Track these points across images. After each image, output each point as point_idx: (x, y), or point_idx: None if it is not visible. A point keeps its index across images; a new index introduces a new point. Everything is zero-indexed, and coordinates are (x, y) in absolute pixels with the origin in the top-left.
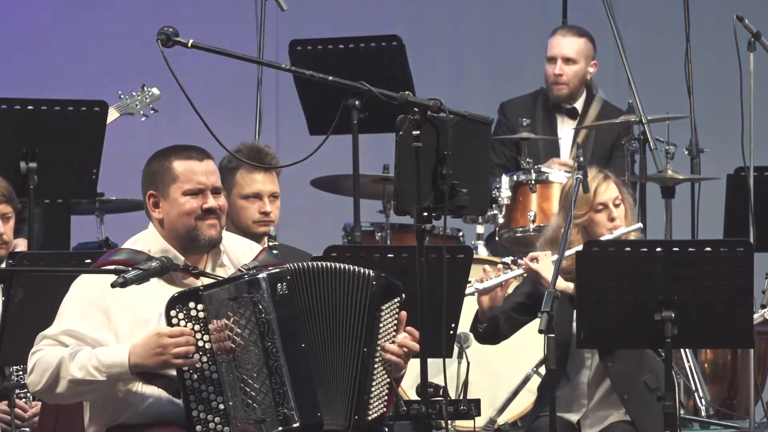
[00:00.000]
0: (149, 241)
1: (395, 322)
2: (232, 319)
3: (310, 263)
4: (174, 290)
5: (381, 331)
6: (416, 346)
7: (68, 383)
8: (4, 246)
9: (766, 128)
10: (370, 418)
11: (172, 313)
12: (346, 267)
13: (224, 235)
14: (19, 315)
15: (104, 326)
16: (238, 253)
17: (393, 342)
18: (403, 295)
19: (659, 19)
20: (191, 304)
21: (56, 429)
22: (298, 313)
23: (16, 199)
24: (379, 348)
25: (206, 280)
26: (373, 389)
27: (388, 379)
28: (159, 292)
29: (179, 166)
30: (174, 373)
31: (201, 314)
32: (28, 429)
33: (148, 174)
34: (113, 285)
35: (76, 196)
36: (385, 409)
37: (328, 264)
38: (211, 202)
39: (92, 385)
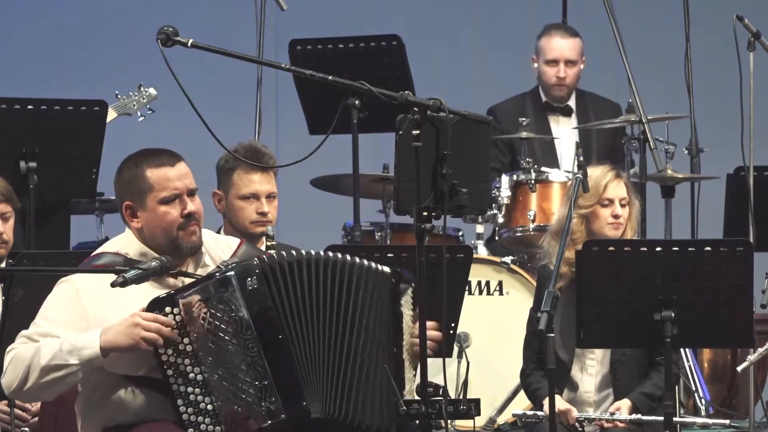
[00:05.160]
0: (125, 244)
1: (412, 313)
2: (207, 320)
3: (282, 253)
4: (153, 291)
5: (404, 326)
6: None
7: (39, 372)
8: (3, 245)
9: (766, 128)
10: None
11: (150, 314)
12: (340, 257)
13: (205, 235)
14: (19, 315)
15: (80, 328)
16: (219, 251)
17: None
18: (413, 284)
19: (659, 19)
20: (168, 309)
21: (56, 429)
22: (271, 306)
23: (16, 198)
24: (405, 344)
25: (186, 281)
26: (406, 387)
27: (414, 374)
28: (140, 292)
29: (152, 174)
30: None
31: (177, 318)
32: (27, 429)
33: (121, 183)
34: (113, 285)
35: (76, 196)
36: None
37: (308, 253)
38: (190, 206)
39: (64, 370)
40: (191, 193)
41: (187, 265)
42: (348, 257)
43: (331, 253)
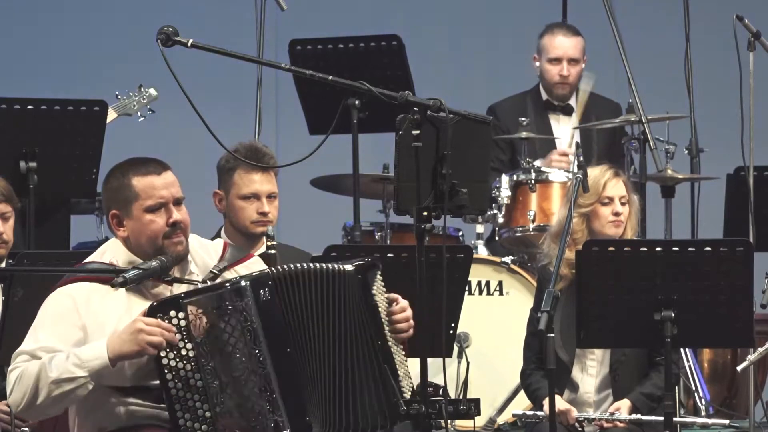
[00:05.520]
0: (115, 253)
1: (386, 297)
2: (216, 327)
3: (289, 266)
4: (143, 302)
5: (381, 314)
6: (406, 305)
7: (49, 386)
8: (3, 245)
9: (766, 128)
10: (408, 396)
11: (153, 319)
12: (326, 266)
13: (191, 240)
14: (19, 315)
15: (79, 342)
16: (203, 254)
17: (392, 314)
18: (381, 265)
19: (659, 19)
20: (172, 313)
21: (56, 429)
22: (282, 318)
23: (16, 198)
24: (387, 332)
25: (178, 288)
26: (399, 372)
27: (404, 354)
28: (129, 304)
29: (138, 182)
30: (157, 382)
31: (182, 322)
32: (27, 429)
33: (108, 192)
34: (114, 284)
35: (76, 196)
36: (413, 383)
37: (308, 265)
38: (176, 215)
39: (74, 383)
40: (177, 202)
41: (172, 273)
42: (325, 265)
43: (318, 264)
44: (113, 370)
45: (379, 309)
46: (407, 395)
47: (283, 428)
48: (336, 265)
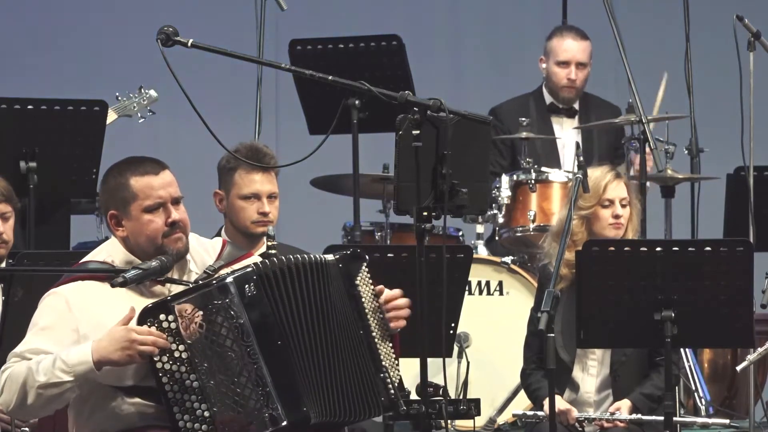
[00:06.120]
0: (112, 253)
1: (372, 288)
2: (205, 327)
3: (272, 260)
4: (141, 300)
5: (365, 305)
6: (399, 296)
7: (37, 391)
8: (3, 245)
9: (766, 128)
10: (392, 389)
11: (145, 327)
12: (307, 257)
13: (190, 239)
14: (19, 315)
15: (73, 344)
16: (202, 253)
17: (379, 307)
18: (367, 257)
19: (659, 19)
20: (162, 317)
21: (55, 429)
22: (269, 312)
23: (16, 198)
24: (371, 322)
25: (174, 288)
26: (384, 363)
27: (393, 348)
28: (128, 302)
29: (136, 183)
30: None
31: (173, 325)
32: (27, 429)
33: (106, 192)
34: (113, 284)
35: (76, 196)
36: (400, 374)
37: (291, 257)
38: (174, 214)
39: (60, 388)
40: (176, 201)
41: (172, 272)
42: (307, 256)
43: (300, 256)
44: (109, 371)
45: (363, 299)
46: (393, 386)
47: (280, 421)
48: (318, 256)
